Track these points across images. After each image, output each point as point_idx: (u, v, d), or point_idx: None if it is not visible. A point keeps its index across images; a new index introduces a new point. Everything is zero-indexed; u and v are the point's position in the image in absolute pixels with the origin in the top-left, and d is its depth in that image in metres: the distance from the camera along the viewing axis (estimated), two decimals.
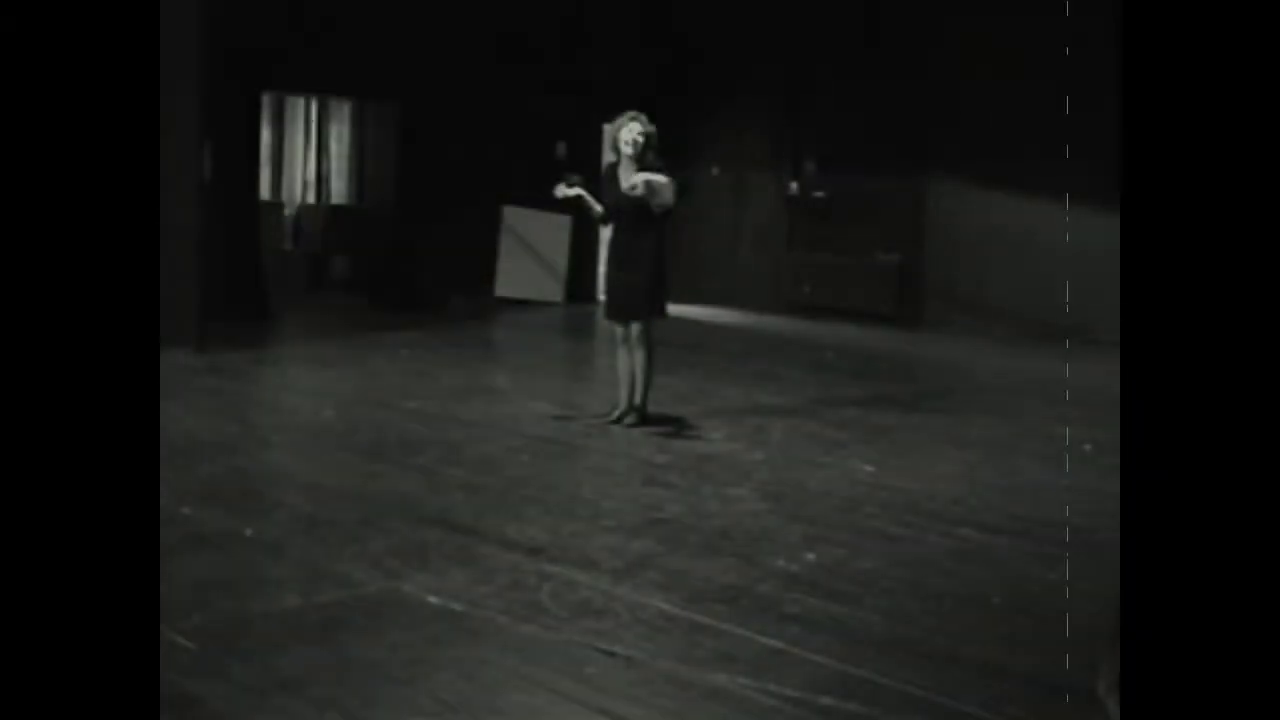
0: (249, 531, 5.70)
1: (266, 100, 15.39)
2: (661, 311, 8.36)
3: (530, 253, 15.86)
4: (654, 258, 8.22)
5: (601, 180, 8.46)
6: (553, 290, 15.95)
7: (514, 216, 15.78)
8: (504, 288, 15.75)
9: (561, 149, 16.12)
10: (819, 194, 15.81)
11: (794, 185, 16.05)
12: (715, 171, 16.66)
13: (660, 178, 7.99)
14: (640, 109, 8.33)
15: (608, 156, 8.82)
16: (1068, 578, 5.36)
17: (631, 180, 7.98)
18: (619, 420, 8.33)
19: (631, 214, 8.11)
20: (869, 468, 7.44)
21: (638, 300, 8.23)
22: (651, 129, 8.17)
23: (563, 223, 15.80)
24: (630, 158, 8.11)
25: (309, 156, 17.11)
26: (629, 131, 8.13)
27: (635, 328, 8.26)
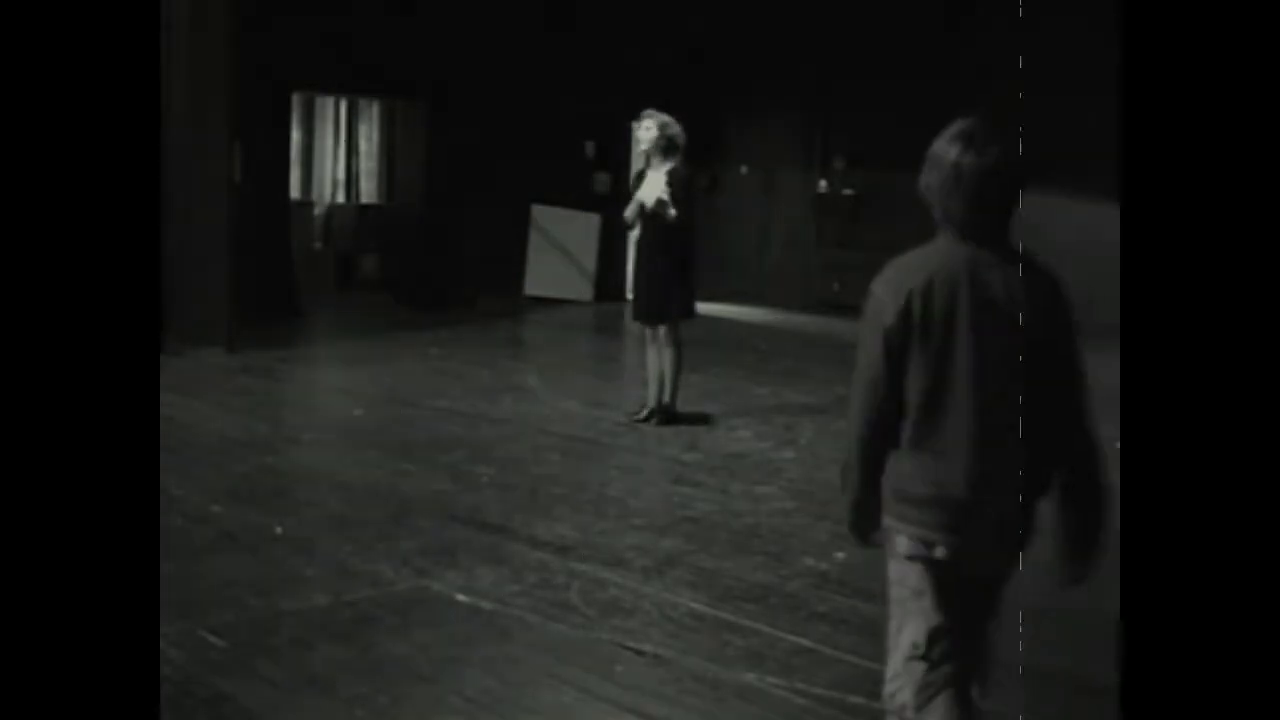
0: (279, 530, 5.73)
1: (296, 100, 15.43)
2: (689, 312, 8.35)
3: (559, 251, 15.87)
4: (676, 259, 8.22)
5: (634, 182, 8.49)
6: (582, 289, 15.96)
7: (543, 215, 15.79)
8: (533, 286, 15.77)
9: (590, 148, 16.12)
10: (848, 191, 15.75)
11: (823, 183, 16.00)
12: (744, 170, 16.62)
13: (665, 198, 8.01)
14: (668, 107, 8.33)
15: (638, 161, 8.87)
16: (1100, 578, 5.32)
17: (640, 202, 8.10)
18: (647, 419, 8.33)
19: (654, 216, 8.15)
20: None
21: (661, 301, 8.24)
22: (670, 129, 8.14)
23: (592, 221, 15.81)
24: (644, 154, 8.25)
25: (339, 156, 17.15)
26: (645, 131, 8.22)
27: (662, 328, 8.27)
